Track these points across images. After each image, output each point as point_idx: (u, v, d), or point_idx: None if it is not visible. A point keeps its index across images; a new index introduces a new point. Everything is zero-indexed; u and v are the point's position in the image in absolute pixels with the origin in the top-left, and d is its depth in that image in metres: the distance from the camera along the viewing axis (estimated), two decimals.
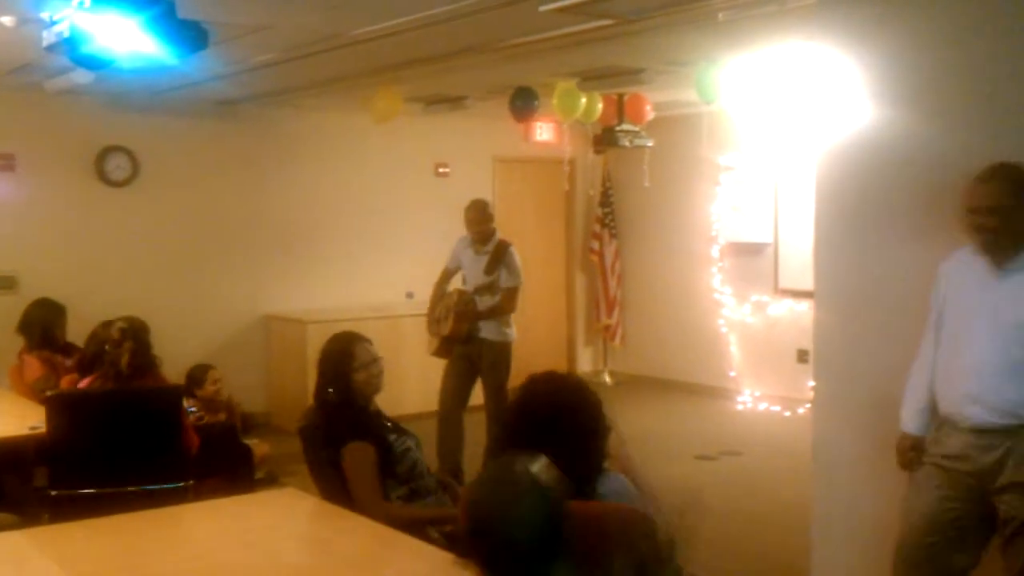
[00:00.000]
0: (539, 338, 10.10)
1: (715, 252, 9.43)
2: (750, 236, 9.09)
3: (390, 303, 8.64)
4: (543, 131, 9.46)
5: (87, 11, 3.27)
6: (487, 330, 6.33)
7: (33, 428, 4.41)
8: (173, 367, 6.02)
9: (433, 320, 6.56)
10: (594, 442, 2.64)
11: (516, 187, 10.00)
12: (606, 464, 2.71)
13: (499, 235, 6.52)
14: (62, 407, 4.29)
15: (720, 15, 4.74)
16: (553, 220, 10.36)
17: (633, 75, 6.56)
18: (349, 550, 3.00)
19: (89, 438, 4.26)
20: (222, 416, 6.30)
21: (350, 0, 4.51)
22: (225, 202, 8.25)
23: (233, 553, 3.00)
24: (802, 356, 8.36)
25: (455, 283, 6.68)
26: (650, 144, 8.08)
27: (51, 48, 3.51)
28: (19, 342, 5.87)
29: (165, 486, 4.20)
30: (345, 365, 3.67)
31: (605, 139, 7.96)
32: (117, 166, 7.73)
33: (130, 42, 3.34)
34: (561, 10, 4.49)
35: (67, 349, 5.80)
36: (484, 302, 6.31)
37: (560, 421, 2.58)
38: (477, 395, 6.52)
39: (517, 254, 6.43)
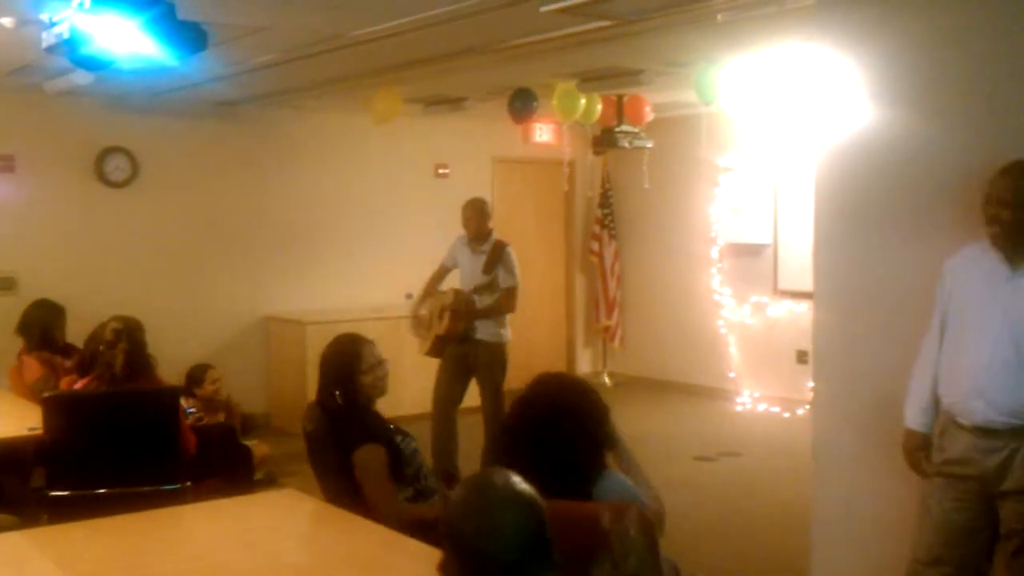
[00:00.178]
0: (539, 339, 10.10)
1: (714, 253, 9.43)
2: (749, 237, 9.10)
3: (390, 304, 8.63)
4: (543, 132, 9.46)
5: (87, 12, 3.27)
6: (483, 331, 6.33)
7: (31, 429, 4.40)
8: (172, 368, 6.04)
9: (419, 319, 6.55)
10: (593, 444, 2.65)
11: (516, 188, 10.00)
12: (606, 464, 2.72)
13: (496, 235, 6.52)
14: (59, 408, 4.28)
15: (719, 16, 4.74)
16: (553, 221, 10.37)
17: (632, 76, 6.56)
18: (349, 551, 2.99)
19: (86, 439, 4.25)
20: (221, 416, 6.31)
21: (350, 1, 4.51)
22: (225, 203, 8.25)
23: (232, 554, 3.00)
24: (801, 357, 8.36)
25: (448, 282, 6.66)
26: (649, 145, 8.09)
27: (51, 49, 3.51)
28: (18, 343, 5.87)
29: (162, 487, 4.19)
30: (352, 368, 3.65)
31: (604, 140, 7.96)
32: (117, 167, 7.73)
33: (130, 43, 3.34)
34: (561, 11, 4.49)
35: (66, 350, 5.80)
36: (483, 301, 6.30)
37: (560, 421, 2.59)
38: (472, 396, 6.52)
39: (514, 254, 6.43)
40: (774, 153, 8.77)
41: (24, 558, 2.92)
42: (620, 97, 7.69)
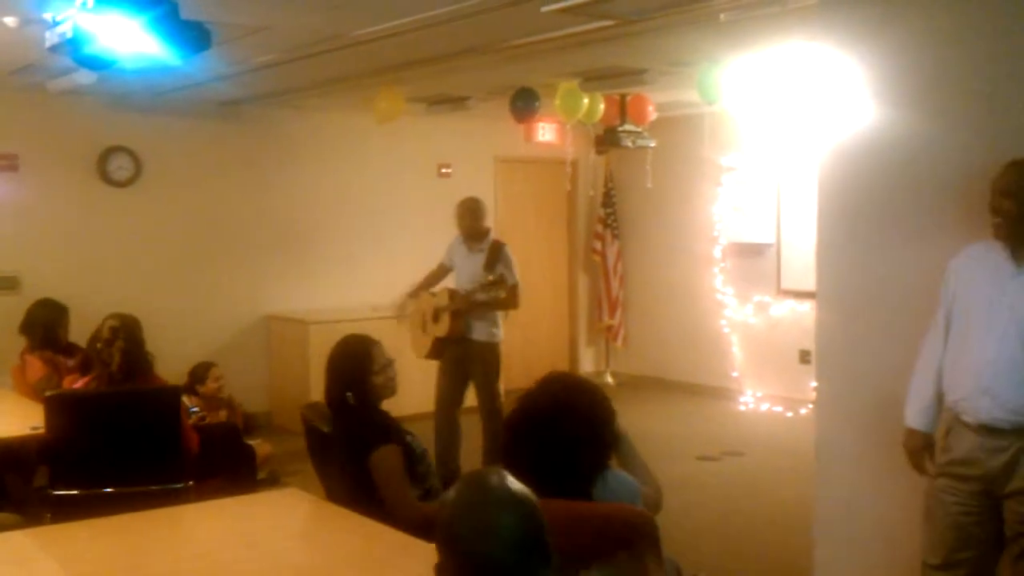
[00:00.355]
0: (541, 339, 10.11)
1: (717, 253, 9.43)
2: (752, 237, 9.09)
3: (392, 304, 8.63)
4: (545, 132, 9.46)
5: (90, 12, 3.27)
6: (478, 331, 6.34)
7: (34, 428, 4.41)
8: (175, 367, 6.05)
9: (407, 308, 6.57)
10: (597, 445, 2.65)
11: (518, 188, 10.00)
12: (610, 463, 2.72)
13: (493, 234, 6.52)
14: (61, 407, 4.28)
15: (722, 16, 4.75)
16: (555, 221, 10.36)
17: (635, 76, 6.56)
18: (352, 551, 3.00)
19: (89, 439, 4.24)
20: (223, 414, 6.32)
21: (352, 1, 4.51)
22: (227, 202, 8.26)
23: (235, 553, 3.00)
24: (804, 357, 8.35)
25: (446, 283, 6.67)
26: (652, 145, 8.08)
27: (54, 49, 3.52)
28: (21, 342, 5.88)
29: (164, 487, 4.18)
30: (364, 368, 3.64)
31: (607, 140, 7.96)
32: (119, 166, 7.74)
33: (133, 43, 3.34)
34: (563, 11, 4.49)
35: (69, 349, 5.81)
36: (491, 296, 6.27)
37: (564, 421, 2.59)
38: (473, 396, 6.53)
39: (511, 253, 6.44)
40: (777, 153, 8.77)
41: (27, 557, 2.92)
42: (623, 96, 7.69)
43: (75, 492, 4.17)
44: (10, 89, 6.95)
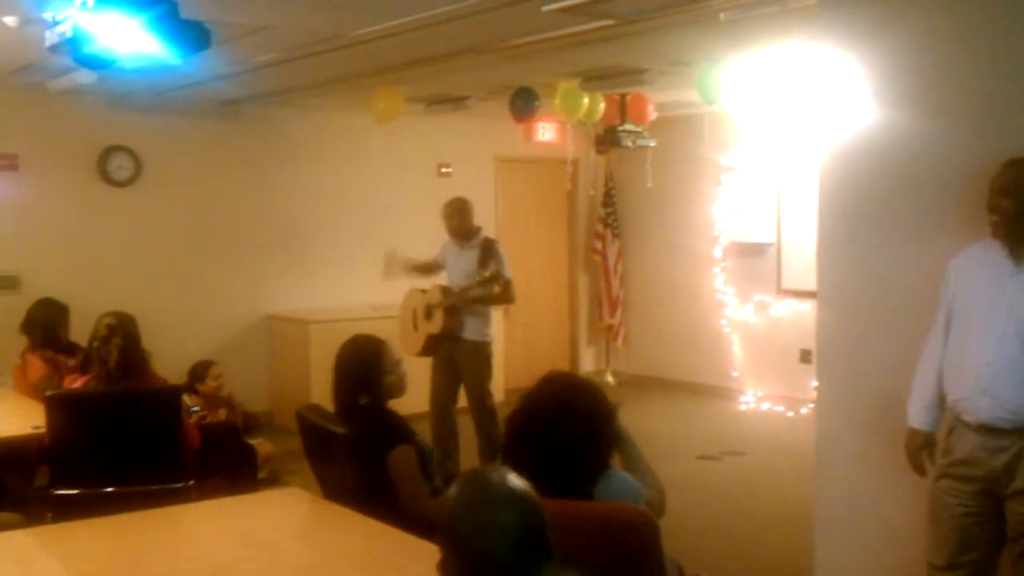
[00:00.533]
0: (542, 338, 10.11)
1: (718, 252, 9.43)
2: (753, 236, 9.09)
3: (392, 303, 8.61)
4: (545, 131, 9.46)
5: (90, 11, 3.27)
6: (469, 330, 6.34)
7: (36, 428, 4.41)
8: (175, 367, 6.05)
9: (403, 316, 6.58)
10: (598, 445, 2.65)
11: (518, 187, 10.00)
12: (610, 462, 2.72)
13: (484, 232, 6.54)
14: (61, 407, 4.28)
15: (722, 15, 4.74)
16: (555, 220, 10.36)
17: (635, 75, 6.56)
18: (353, 550, 3.00)
19: (89, 438, 4.24)
20: (223, 413, 6.32)
21: (351, 0, 4.51)
22: (227, 202, 8.26)
23: (236, 553, 3.00)
24: (805, 356, 8.35)
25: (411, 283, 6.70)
26: (652, 144, 8.08)
27: (54, 48, 3.52)
28: (22, 342, 5.88)
29: (165, 486, 4.18)
30: (377, 368, 3.64)
31: (607, 139, 7.96)
32: (119, 166, 7.74)
33: (133, 42, 3.34)
34: (563, 10, 4.49)
35: (70, 349, 5.81)
36: (486, 291, 6.28)
37: (565, 421, 2.59)
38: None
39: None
40: (777, 152, 8.77)
41: (28, 556, 2.92)
42: (623, 96, 7.69)
43: (76, 492, 4.17)
44: (10, 89, 6.95)
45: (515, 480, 1.88)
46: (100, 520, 3.23)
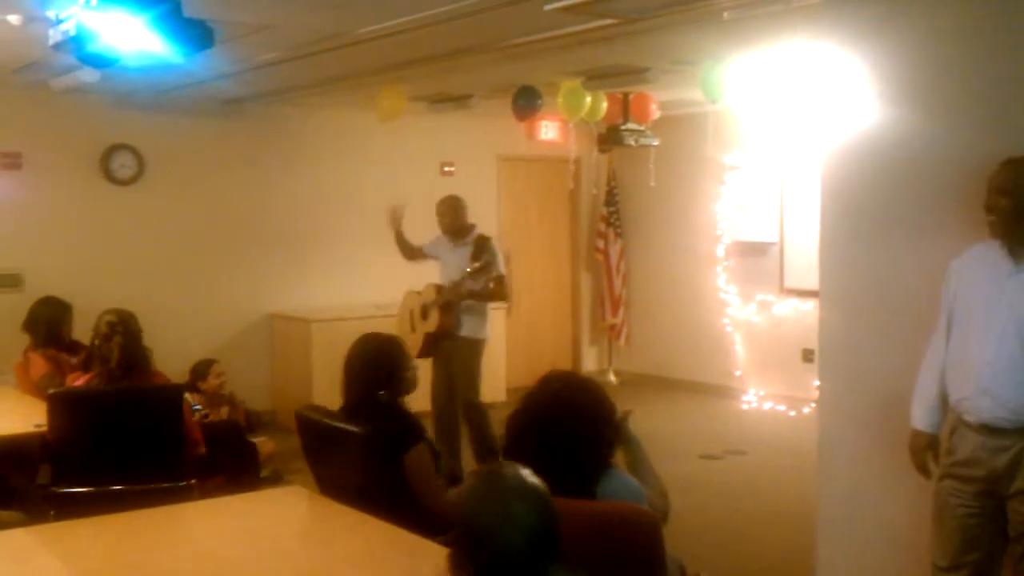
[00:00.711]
0: (544, 337, 10.11)
1: (720, 251, 9.43)
2: (755, 235, 9.08)
3: (394, 302, 8.62)
4: (548, 130, 9.45)
5: (93, 9, 3.27)
6: (466, 327, 6.35)
7: (38, 426, 4.41)
8: (177, 365, 6.06)
9: (400, 318, 6.59)
10: (599, 443, 2.65)
11: (521, 186, 10.00)
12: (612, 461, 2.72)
13: (478, 229, 6.55)
14: (63, 405, 4.28)
15: (725, 14, 4.74)
16: (558, 219, 10.36)
17: (638, 74, 6.55)
18: (354, 548, 3.00)
19: (90, 436, 4.24)
20: (224, 411, 6.33)
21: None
22: (230, 200, 8.27)
23: (238, 551, 3.00)
24: (807, 355, 8.35)
25: (425, 277, 6.68)
26: (655, 143, 8.07)
27: (57, 46, 3.52)
28: (25, 340, 5.89)
29: (165, 485, 4.17)
30: (398, 366, 3.64)
31: (610, 138, 7.95)
32: (123, 164, 7.74)
33: (136, 40, 3.34)
34: (565, 9, 4.49)
35: (73, 347, 5.81)
36: (476, 284, 6.27)
37: (566, 420, 2.59)
38: (489, 390, 6.54)
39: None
40: (780, 151, 8.76)
41: (30, 555, 2.93)
42: (626, 95, 7.68)
43: (77, 490, 4.17)
44: (14, 87, 6.95)
45: (530, 476, 1.89)
46: (102, 518, 3.23)
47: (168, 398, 4.45)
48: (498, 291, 6.40)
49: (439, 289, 6.37)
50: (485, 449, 6.23)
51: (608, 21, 4.87)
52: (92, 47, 3.40)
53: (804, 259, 8.00)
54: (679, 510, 2.99)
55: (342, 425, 3.57)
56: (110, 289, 7.17)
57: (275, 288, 8.48)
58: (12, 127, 7.32)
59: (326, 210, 8.72)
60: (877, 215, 3.98)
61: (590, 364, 10.45)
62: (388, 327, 7.01)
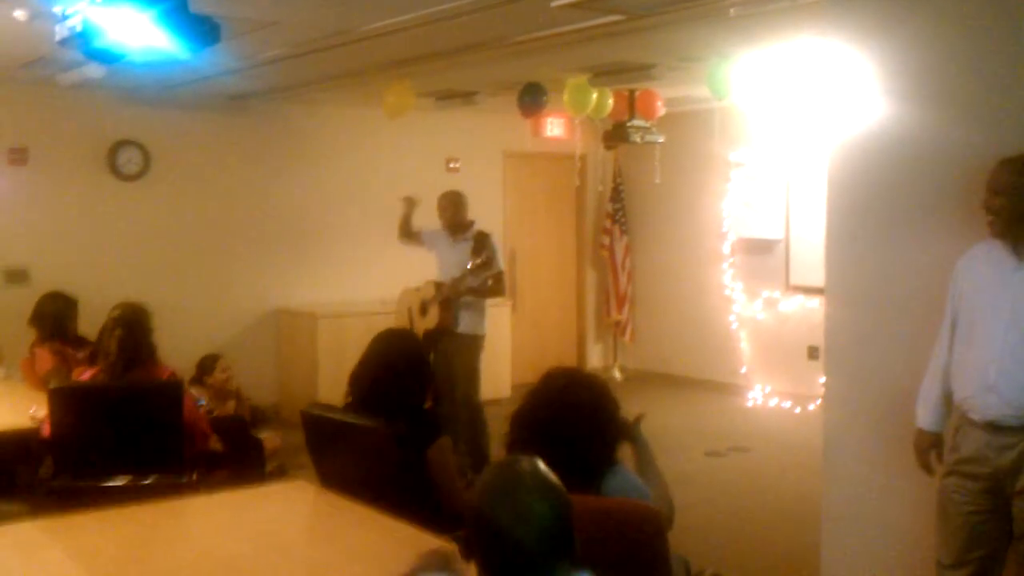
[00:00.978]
0: (549, 333, 10.11)
1: (726, 248, 9.42)
2: (761, 232, 9.07)
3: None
4: (554, 126, 9.45)
5: (100, 5, 3.28)
6: (464, 324, 6.35)
7: (33, 416, 4.42)
8: (183, 360, 6.06)
9: (399, 315, 6.59)
10: (602, 440, 2.65)
11: (526, 182, 10.00)
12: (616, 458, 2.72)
13: (477, 225, 6.56)
14: (62, 400, 4.27)
15: (731, 11, 4.73)
16: (563, 215, 10.36)
17: (644, 71, 6.54)
18: (359, 542, 3.00)
19: (89, 431, 4.23)
20: (231, 405, 6.34)
21: None
22: (236, 196, 8.28)
23: (243, 545, 3.01)
24: (813, 353, 8.34)
25: (420, 272, 6.69)
26: (661, 140, 8.07)
27: (64, 42, 3.53)
28: (31, 334, 5.90)
29: (166, 480, 4.15)
30: (423, 360, 3.67)
31: (616, 135, 7.95)
32: (129, 160, 7.76)
33: (142, 36, 3.35)
34: (572, 5, 4.49)
35: (79, 341, 5.82)
36: (477, 280, 6.27)
37: (569, 417, 2.59)
38: (487, 389, 6.53)
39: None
40: (786, 148, 8.74)
41: (35, 547, 2.94)
42: (632, 91, 7.67)
43: (78, 484, 4.16)
44: (20, 83, 6.97)
45: (547, 472, 1.89)
46: (107, 512, 3.24)
47: (165, 394, 4.38)
48: (497, 287, 6.41)
49: (438, 286, 6.38)
50: (477, 455, 6.19)
51: (614, 17, 4.86)
52: (98, 43, 3.40)
53: (810, 256, 7.99)
54: (684, 507, 2.99)
55: (361, 421, 3.52)
56: (116, 284, 7.18)
57: (281, 283, 8.50)
58: (18, 123, 7.33)
59: (332, 206, 8.72)
60: (884, 212, 3.98)
61: (595, 361, 10.45)
62: (392, 323, 7.04)
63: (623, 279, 10.17)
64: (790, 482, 6.39)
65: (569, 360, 9.88)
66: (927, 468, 3.47)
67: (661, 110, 7.88)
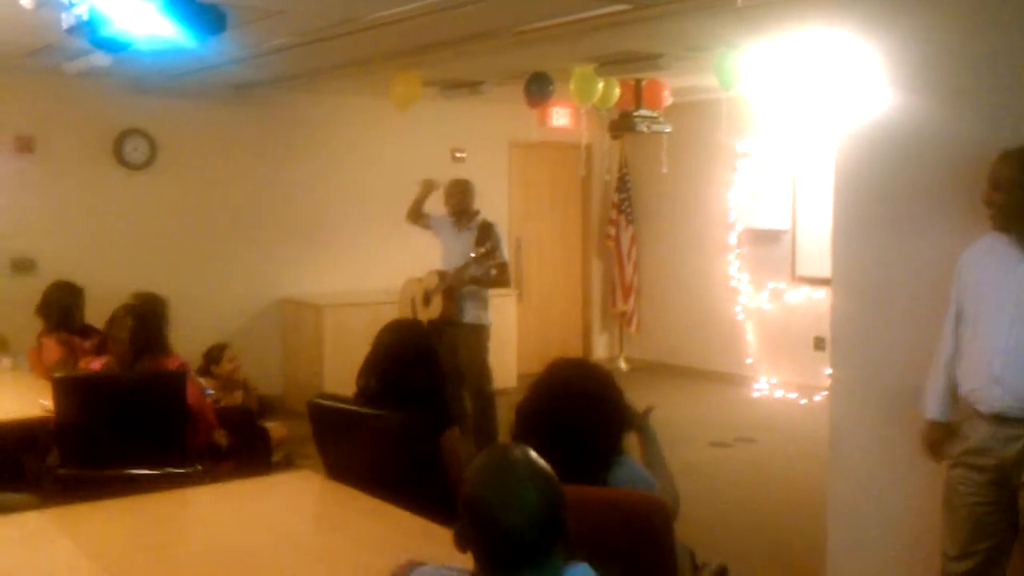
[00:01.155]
0: (555, 324, 10.11)
1: (732, 239, 9.40)
2: (767, 223, 9.06)
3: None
4: (560, 116, 9.43)
5: None
6: (468, 314, 6.35)
7: (44, 407, 4.43)
8: (189, 350, 6.06)
9: (402, 305, 6.59)
10: (607, 430, 2.65)
11: (532, 172, 9.99)
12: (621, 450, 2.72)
13: (482, 215, 6.56)
14: (67, 389, 4.27)
15: (739, 1, 4.71)
16: (569, 205, 10.35)
17: (651, 60, 6.53)
18: (365, 532, 3.01)
19: (94, 421, 4.23)
20: (238, 395, 6.34)
21: None
22: (242, 185, 8.28)
23: (250, 535, 3.02)
24: (819, 344, 8.33)
25: (423, 262, 6.69)
26: (667, 130, 8.05)
27: (70, 30, 3.52)
28: (38, 324, 5.91)
29: (170, 471, 4.15)
30: (433, 350, 3.68)
31: (622, 124, 7.93)
32: (135, 149, 7.77)
33: (149, 25, 3.34)
34: None
35: (86, 331, 5.83)
36: (480, 269, 6.27)
37: (574, 407, 2.59)
38: (500, 377, 6.54)
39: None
40: (793, 138, 8.72)
41: (43, 537, 2.95)
42: (638, 81, 7.65)
43: (83, 473, 4.16)
44: (27, 71, 6.97)
45: (538, 459, 1.89)
46: (115, 502, 3.25)
47: (170, 383, 4.37)
48: (501, 278, 6.40)
49: (442, 275, 6.38)
50: (485, 440, 6.22)
51: (621, 6, 4.85)
52: (105, 31, 3.39)
53: (816, 247, 7.98)
54: (689, 498, 2.99)
55: (370, 411, 3.51)
56: (122, 273, 7.21)
57: (287, 273, 8.50)
58: (25, 111, 7.34)
59: (337, 195, 8.72)
60: (890, 203, 3.96)
61: (601, 351, 10.45)
62: (398, 313, 7.05)
63: (629, 269, 10.17)
64: (796, 473, 6.39)
65: (575, 350, 9.88)
66: (937, 457, 3.47)
67: (668, 100, 7.86)
